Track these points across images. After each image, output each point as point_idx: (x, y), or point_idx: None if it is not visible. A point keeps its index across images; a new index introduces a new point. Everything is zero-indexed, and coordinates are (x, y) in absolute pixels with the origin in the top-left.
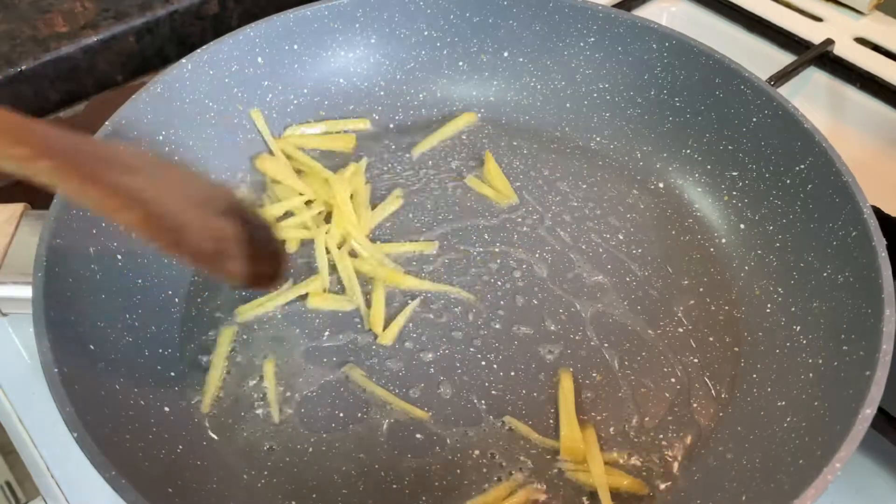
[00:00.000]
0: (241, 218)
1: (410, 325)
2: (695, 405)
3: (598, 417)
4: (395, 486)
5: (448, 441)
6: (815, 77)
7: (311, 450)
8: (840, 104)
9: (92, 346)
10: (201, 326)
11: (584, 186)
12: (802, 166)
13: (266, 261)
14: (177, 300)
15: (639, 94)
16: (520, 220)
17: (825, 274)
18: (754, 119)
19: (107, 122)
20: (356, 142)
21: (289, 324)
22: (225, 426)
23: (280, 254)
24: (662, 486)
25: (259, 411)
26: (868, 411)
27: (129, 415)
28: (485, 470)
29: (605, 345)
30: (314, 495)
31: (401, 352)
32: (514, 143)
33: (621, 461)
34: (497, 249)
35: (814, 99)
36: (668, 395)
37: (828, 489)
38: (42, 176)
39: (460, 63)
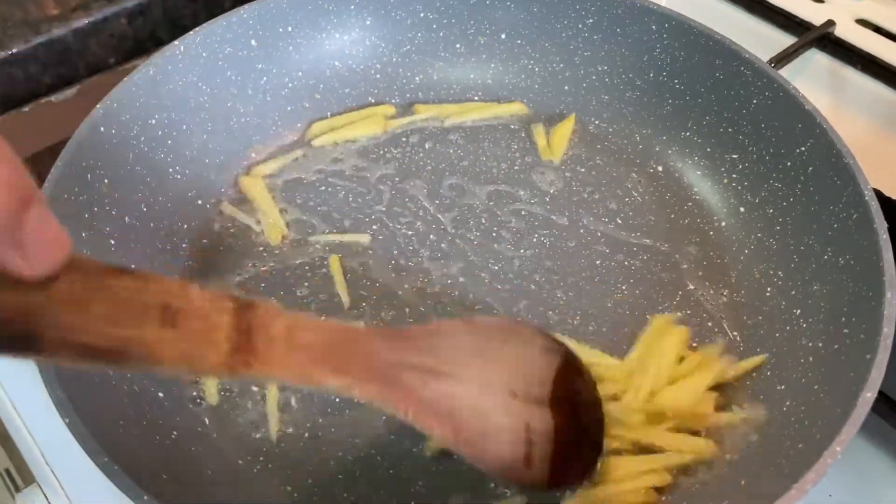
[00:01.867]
0: (569, 393)
1: (407, 310)
2: None
3: None
4: (391, 472)
5: None
6: (816, 59)
7: (306, 435)
8: (841, 86)
9: None
10: None
11: (583, 170)
12: (803, 148)
13: (576, 460)
14: None
15: (638, 77)
16: (519, 202)
17: (826, 257)
18: (754, 101)
19: (98, 106)
20: (386, 123)
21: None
22: (220, 412)
23: (597, 447)
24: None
25: (254, 398)
26: (868, 395)
27: (122, 401)
28: None
29: (604, 329)
30: (310, 481)
31: None
32: (512, 127)
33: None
34: (495, 233)
35: (815, 81)
36: None
37: (827, 473)
38: (350, 395)
39: (457, 45)
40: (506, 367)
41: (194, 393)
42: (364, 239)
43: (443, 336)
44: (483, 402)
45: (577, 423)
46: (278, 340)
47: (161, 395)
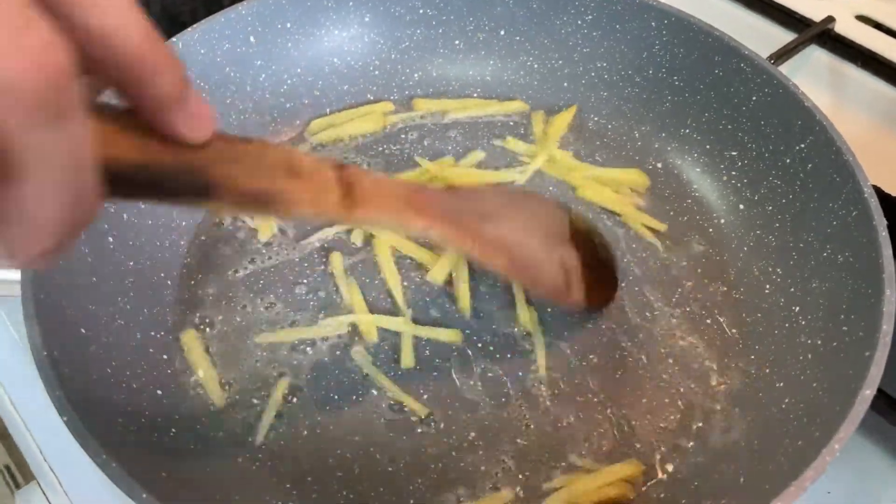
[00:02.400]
0: (582, 241)
1: (407, 305)
2: (692, 387)
3: (595, 399)
4: (390, 469)
5: (444, 424)
6: (816, 55)
7: (306, 433)
8: (841, 83)
9: (83, 330)
10: (194, 309)
11: None
12: (803, 145)
13: (602, 284)
14: (169, 282)
15: (637, 73)
16: None
17: (825, 254)
18: (754, 98)
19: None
20: (385, 119)
21: (284, 306)
22: (219, 409)
23: (614, 276)
24: (660, 469)
25: (253, 394)
26: (867, 392)
27: (120, 398)
28: (481, 452)
29: (603, 326)
30: (309, 478)
31: (395, 335)
32: (511, 123)
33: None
34: None
35: (814, 77)
36: (665, 376)
37: (826, 471)
38: (430, 237)
39: (456, 42)
40: (536, 215)
41: (193, 391)
42: (362, 236)
43: (483, 193)
44: (527, 239)
45: (595, 260)
46: (371, 191)
47: (159, 392)
